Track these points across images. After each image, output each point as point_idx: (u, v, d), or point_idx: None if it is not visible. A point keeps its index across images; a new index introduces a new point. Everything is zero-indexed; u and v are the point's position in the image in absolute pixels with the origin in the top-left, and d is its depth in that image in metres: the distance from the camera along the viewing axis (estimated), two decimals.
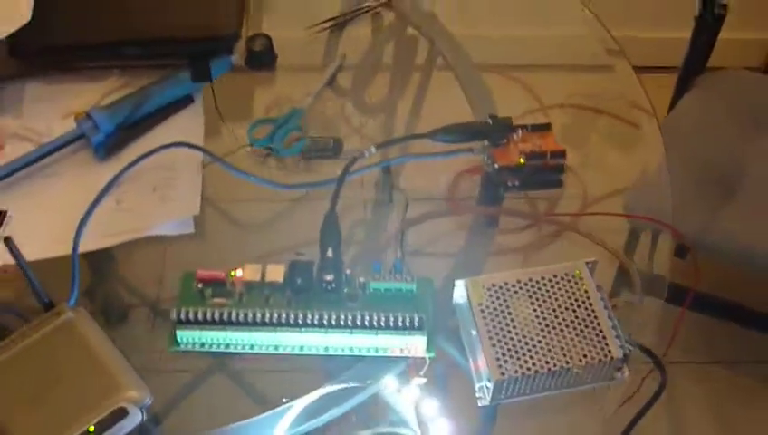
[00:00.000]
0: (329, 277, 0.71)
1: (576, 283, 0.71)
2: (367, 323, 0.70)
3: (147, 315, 0.78)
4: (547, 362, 0.67)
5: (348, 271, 0.73)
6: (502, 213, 0.84)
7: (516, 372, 0.66)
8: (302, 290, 0.72)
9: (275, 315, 0.70)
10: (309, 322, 0.70)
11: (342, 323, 0.70)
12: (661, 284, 0.78)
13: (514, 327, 0.69)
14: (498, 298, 0.70)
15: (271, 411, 0.69)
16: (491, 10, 1.05)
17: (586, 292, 0.71)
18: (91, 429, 0.63)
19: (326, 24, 1.01)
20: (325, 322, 0.70)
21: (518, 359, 0.67)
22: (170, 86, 0.89)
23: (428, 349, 0.70)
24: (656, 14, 1.93)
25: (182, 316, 0.70)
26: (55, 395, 0.65)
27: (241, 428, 0.69)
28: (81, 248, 0.77)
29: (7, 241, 0.68)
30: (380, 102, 0.96)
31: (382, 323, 0.70)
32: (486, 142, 0.82)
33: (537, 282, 0.71)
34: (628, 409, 0.71)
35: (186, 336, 0.71)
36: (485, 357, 0.67)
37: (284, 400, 0.69)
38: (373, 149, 0.82)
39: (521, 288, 0.71)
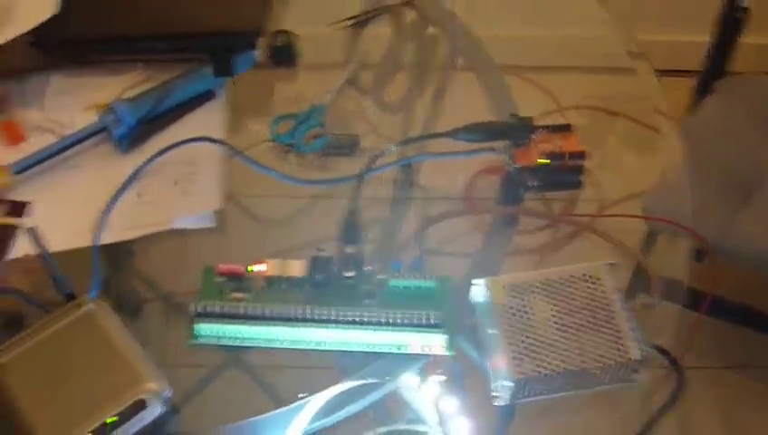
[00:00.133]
0: (349, 274, 0.72)
1: (595, 284, 0.71)
2: (386, 320, 0.70)
3: (162, 309, 0.79)
4: (565, 363, 0.67)
5: (367, 268, 0.73)
6: (521, 213, 0.84)
7: (534, 371, 0.67)
8: (321, 286, 0.72)
9: (294, 311, 0.71)
10: (328, 318, 0.71)
11: (361, 319, 0.70)
12: (679, 288, 0.78)
13: (533, 327, 0.69)
14: (517, 297, 0.71)
15: (288, 407, 0.69)
16: (510, 10, 1.04)
17: (604, 293, 0.71)
18: (111, 420, 0.64)
19: (347, 22, 1.01)
20: (344, 318, 0.70)
21: (536, 359, 0.67)
22: (193, 81, 0.90)
23: (448, 347, 0.71)
24: (674, 17, 1.92)
25: (201, 310, 0.71)
26: (75, 386, 0.66)
27: (258, 422, 0.69)
28: (102, 241, 0.78)
29: (31, 231, 0.68)
30: (399, 101, 0.96)
31: (401, 321, 0.70)
32: (507, 142, 0.82)
33: (556, 282, 0.71)
34: (643, 411, 0.71)
35: (204, 330, 0.71)
36: (504, 356, 0.67)
37: (301, 395, 0.69)
38: (393, 147, 0.83)
39: (540, 288, 0.71)
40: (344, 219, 0.76)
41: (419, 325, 0.70)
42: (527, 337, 0.68)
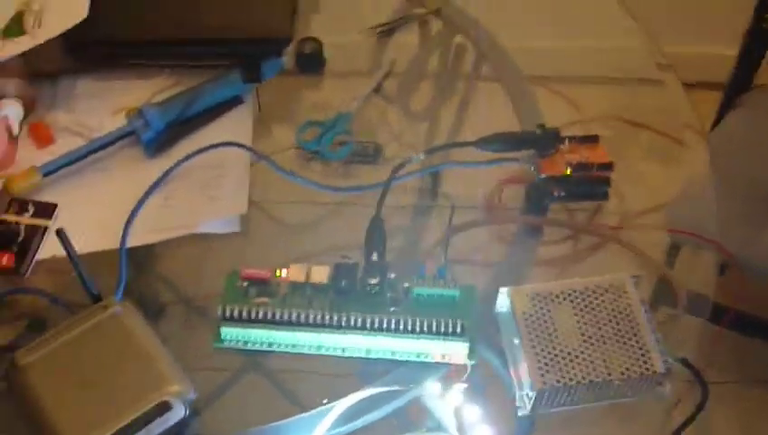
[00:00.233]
0: (373, 281, 0.72)
1: (620, 295, 0.71)
2: (409, 327, 0.71)
3: (183, 312, 0.79)
4: (588, 374, 0.67)
5: (392, 275, 0.73)
6: (547, 223, 0.84)
7: (558, 382, 0.66)
8: (345, 292, 0.73)
9: (318, 316, 0.71)
10: (351, 324, 0.71)
11: (385, 326, 0.71)
12: (705, 302, 0.77)
13: (557, 337, 0.69)
14: (542, 308, 0.70)
15: (311, 412, 0.70)
16: (537, 21, 1.04)
17: (629, 305, 0.71)
18: (135, 421, 0.64)
19: (375, 30, 1.01)
20: (368, 325, 0.71)
21: (560, 369, 0.67)
22: (221, 86, 0.90)
23: (470, 356, 0.71)
24: (700, 30, 1.92)
25: (227, 313, 0.71)
26: (100, 387, 0.66)
27: (280, 427, 0.70)
28: (128, 243, 0.78)
29: (59, 233, 0.69)
30: (424, 110, 0.96)
31: (425, 329, 0.71)
32: (533, 152, 0.82)
33: (581, 293, 0.71)
34: (664, 425, 0.71)
35: (230, 333, 0.72)
36: (527, 366, 0.67)
37: (324, 401, 0.70)
38: (422, 155, 0.83)
39: (564, 299, 0.71)
40: (369, 226, 0.76)
41: (443, 333, 0.70)
42: (551, 348, 0.68)
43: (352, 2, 1.07)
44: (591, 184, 0.82)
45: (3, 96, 0.88)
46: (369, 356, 0.72)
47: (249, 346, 0.72)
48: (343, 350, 0.72)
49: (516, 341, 0.70)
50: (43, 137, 0.88)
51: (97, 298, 0.71)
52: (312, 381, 0.73)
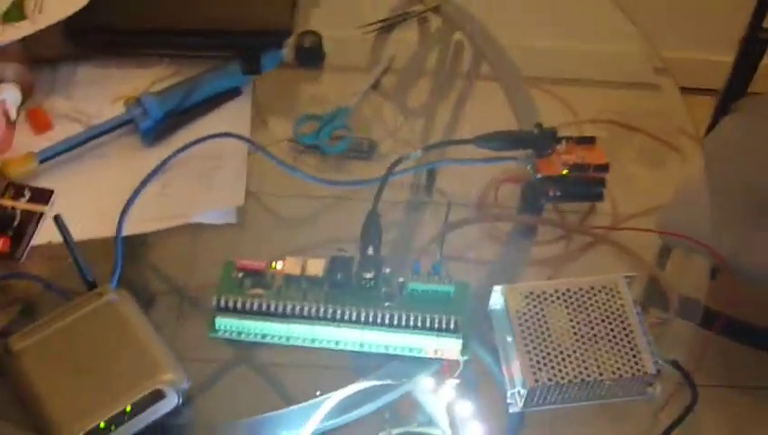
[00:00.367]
0: (368, 275, 0.72)
1: (613, 296, 0.72)
2: (403, 322, 0.71)
3: (174, 302, 0.79)
4: (580, 373, 0.67)
5: (387, 270, 0.73)
6: (542, 223, 0.84)
7: (550, 380, 0.67)
8: (340, 285, 0.73)
9: (313, 309, 0.71)
10: (346, 317, 0.71)
11: (379, 320, 0.71)
12: (696, 307, 0.78)
13: (549, 336, 0.69)
14: (535, 306, 0.71)
15: (304, 404, 0.70)
16: (536, 21, 1.05)
17: (622, 306, 0.71)
18: (128, 408, 0.64)
19: (375, 26, 1.01)
20: (362, 318, 0.71)
21: (552, 368, 0.67)
22: (220, 77, 0.90)
23: (463, 352, 0.71)
24: (695, 37, 1.92)
25: (221, 304, 0.71)
26: (94, 374, 0.66)
27: (273, 418, 0.70)
28: (124, 231, 0.78)
29: (57, 219, 0.69)
30: (421, 107, 0.96)
31: (418, 324, 0.71)
32: (530, 151, 0.83)
33: (575, 293, 0.72)
34: (652, 426, 0.71)
35: (224, 324, 0.72)
36: (520, 364, 0.68)
37: (317, 393, 0.70)
38: (420, 152, 0.83)
39: (558, 298, 0.71)
40: (365, 221, 0.76)
41: (436, 329, 0.71)
42: (543, 346, 0.69)
43: None
44: (587, 185, 0.82)
45: (1, 81, 0.87)
46: (363, 350, 0.72)
47: (243, 337, 0.72)
48: (337, 343, 0.72)
49: (509, 338, 0.70)
50: (40, 123, 0.88)
51: (92, 285, 0.71)
52: (306, 374, 0.73)
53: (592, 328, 0.70)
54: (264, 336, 0.72)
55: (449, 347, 0.71)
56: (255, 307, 0.72)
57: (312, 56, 0.97)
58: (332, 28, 0.99)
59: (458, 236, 0.81)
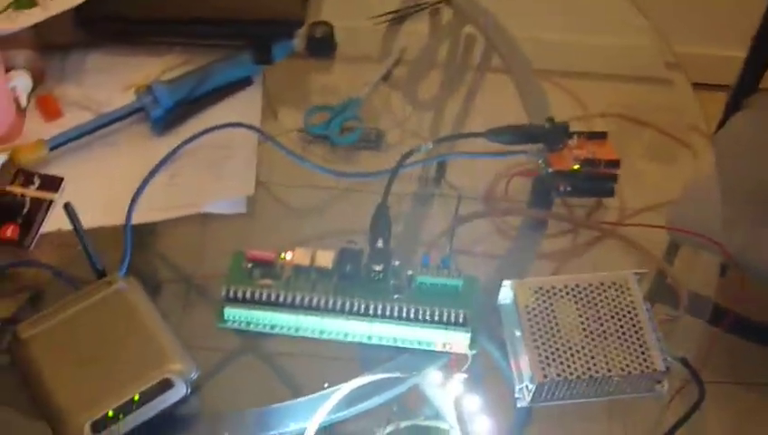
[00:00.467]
0: (377, 267, 0.72)
1: (623, 292, 0.71)
2: (412, 315, 0.71)
3: (181, 291, 0.79)
4: (589, 369, 0.67)
5: (396, 262, 0.73)
6: (553, 217, 0.84)
7: (558, 375, 0.67)
8: (349, 277, 0.73)
9: (322, 301, 0.71)
10: (354, 310, 0.71)
11: (387, 313, 0.71)
12: (705, 304, 0.78)
13: (559, 331, 0.69)
14: (544, 301, 0.71)
15: (312, 395, 0.70)
16: (548, 13, 1.04)
17: (632, 302, 0.71)
18: (137, 398, 0.64)
19: (386, 17, 1.01)
20: (371, 311, 0.71)
21: (561, 363, 0.67)
22: (231, 66, 0.90)
23: (471, 346, 0.71)
24: (707, 32, 1.92)
25: (230, 294, 0.71)
26: (102, 362, 0.66)
27: (281, 409, 0.70)
28: (133, 220, 0.78)
29: (67, 207, 0.68)
30: (431, 99, 0.96)
31: (427, 317, 0.71)
32: (541, 146, 0.82)
33: (584, 288, 0.72)
34: (659, 422, 0.71)
35: (233, 314, 0.72)
36: (528, 359, 0.68)
37: (325, 385, 0.70)
38: (430, 144, 0.83)
39: (567, 293, 0.71)
40: (375, 213, 0.76)
41: (445, 322, 0.71)
42: (552, 341, 0.68)
43: None
44: (598, 180, 0.82)
45: (12, 67, 0.87)
46: (371, 342, 0.72)
47: (252, 327, 0.72)
48: (345, 335, 0.72)
49: (518, 333, 0.70)
50: (51, 110, 0.88)
51: (102, 273, 0.71)
52: (314, 365, 0.73)
53: (601, 324, 0.70)
54: (272, 327, 0.72)
55: (457, 341, 0.71)
56: (264, 298, 0.71)
57: (323, 47, 0.96)
58: (344, 19, 0.99)
59: (468, 230, 0.81)
